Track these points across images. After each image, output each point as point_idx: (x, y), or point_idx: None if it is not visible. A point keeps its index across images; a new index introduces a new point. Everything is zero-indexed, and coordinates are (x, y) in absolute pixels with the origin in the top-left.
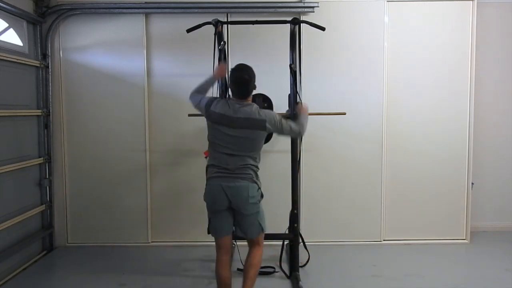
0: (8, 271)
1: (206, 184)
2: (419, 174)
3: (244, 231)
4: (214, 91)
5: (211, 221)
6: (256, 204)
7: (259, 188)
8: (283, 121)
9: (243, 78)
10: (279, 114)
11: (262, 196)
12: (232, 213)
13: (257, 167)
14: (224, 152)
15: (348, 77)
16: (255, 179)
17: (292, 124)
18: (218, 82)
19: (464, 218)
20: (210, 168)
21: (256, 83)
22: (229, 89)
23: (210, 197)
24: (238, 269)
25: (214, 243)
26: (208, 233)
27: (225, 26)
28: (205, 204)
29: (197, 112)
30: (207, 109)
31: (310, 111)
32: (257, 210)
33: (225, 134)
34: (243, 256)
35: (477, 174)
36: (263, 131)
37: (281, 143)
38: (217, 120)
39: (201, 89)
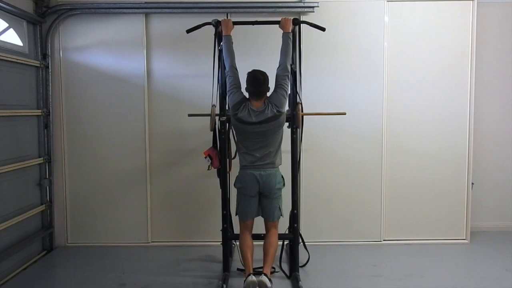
0: (8, 271)
1: (240, 172)
2: (419, 174)
3: (267, 214)
4: (214, 91)
5: (240, 206)
6: (280, 189)
7: (282, 177)
8: (285, 92)
9: (258, 78)
10: (278, 88)
11: (284, 184)
12: (258, 199)
13: (279, 146)
14: (252, 144)
15: (348, 77)
16: (279, 160)
17: (286, 80)
18: (218, 83)
19: (464, 218)
20: (243, 158)
21: None
22: (246, 91)
23: (244, 183)
24: (238, 269)
25: (213, 243)
26: (236, 214)
27: None
28: (204, 204)
29: (198, 112)
30: (233, 111)
31: (310, 111)
32: (280, 194)
33: (249, 131)
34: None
35: (477, 174)
36: (282, 115)
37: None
38: (241, 123)
39: (230, 56)
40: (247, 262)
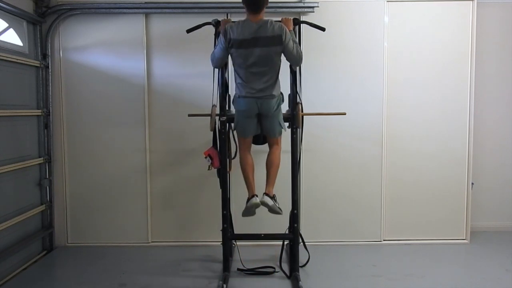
0: (8, 271)
1: (238, 99)
2: (419, 174)
3: (268, 131)
4: (214, 91)
5: (239, 124)
6: (279, 107)
7: (280, 94)
8: (292, 40)
9: None
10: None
11: (283, 100)
12: (257, 119)
13: (277, 77)
14: (250, 72)
15: (348, 77)
16: (277, 89)
17: (295, 47)
18: (218, 83)
19: (464, 218)
20: (241, 88)
21: None
22: (243, 4)
23: (244, 107)
24: (238, 269)
25: (213, 243)
26: (234, 130)
27: None
28: (204, 203)
29: (198, 112)
30: (227, 41)
31: (310, 111)
32: (279, 111)
33: (248, 55)
34: (243, 257)
35: (477, 174)
36: (281, 45)
37: (281, 143)
38: (238, 46)
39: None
40: (249, 183)
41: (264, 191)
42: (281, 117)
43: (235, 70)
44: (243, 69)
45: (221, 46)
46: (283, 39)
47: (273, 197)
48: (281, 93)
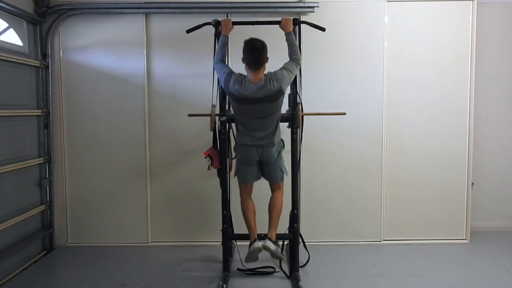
0: (8, 271)
1: (239, 146)
2: (419, 174)
3: (269, 177)
4: (214, 91)
5: (240, 171)
6: (280, 155)
7: (281, 141)
8: (290, 74)
9: (256, 46)
10: (283, 68)
11: (284, 146)
12: (258, 165)
13: (278, 123)
14: (250, 122)
15: (348, 77)
16: (278, 136)
17: (293, 67)
18: (218, 83)
19: (464, 218)
20: (242, 136)
21: None
22: (243, 62)
23: (244, 155)
24: (238, 269)
25: (213, 243)
26: (234, 176)
27: None
28: (204, 204)
29: (198, 112)
30: (226, 89)
31: (310, 111)
32: (280, 158)
33: (248, 110)
34: (243, 257)
35: (477, 174)
36: (282, 95)
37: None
38: (236, 101)
39: (221, 52)
40: (251, 227)
41: (267, 235)
42: (283, 163)
43: (234, 117)
44: (243, 118)
45: (221, 84)
46: (284, 90)
47: (275, 242)
48: (282, 140)
